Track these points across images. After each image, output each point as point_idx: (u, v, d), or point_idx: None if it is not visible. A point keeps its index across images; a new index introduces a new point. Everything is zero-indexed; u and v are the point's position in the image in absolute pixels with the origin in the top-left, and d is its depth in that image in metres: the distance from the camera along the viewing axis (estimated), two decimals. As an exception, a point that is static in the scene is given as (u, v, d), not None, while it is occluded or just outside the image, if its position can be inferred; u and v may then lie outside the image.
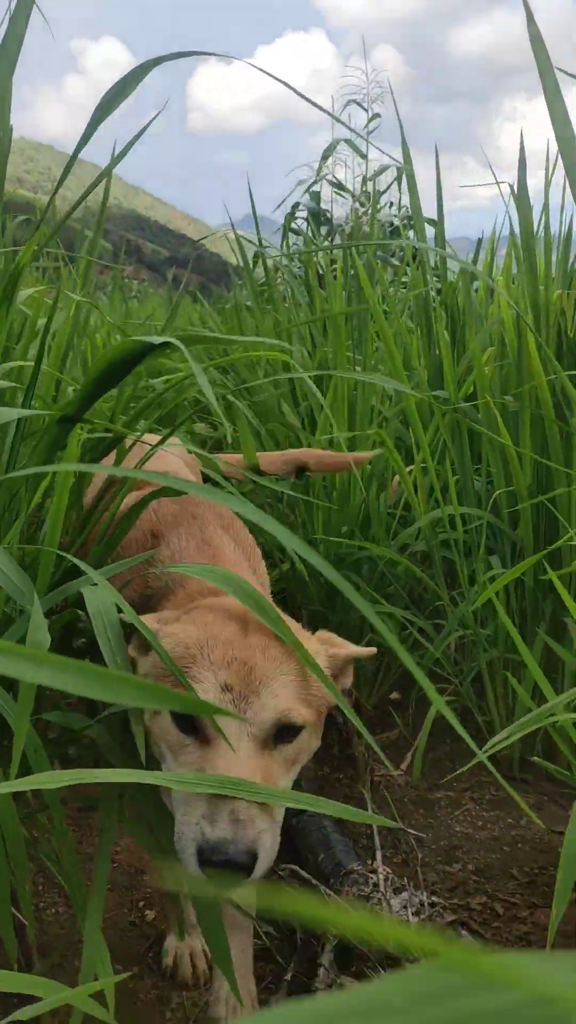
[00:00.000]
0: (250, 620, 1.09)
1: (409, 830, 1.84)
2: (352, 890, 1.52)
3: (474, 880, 1.73)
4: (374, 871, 1.56)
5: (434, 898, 1.50)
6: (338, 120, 1.40)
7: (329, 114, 1.59)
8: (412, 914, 1.44)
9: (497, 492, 1.97)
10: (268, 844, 0.95)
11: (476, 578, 1.99)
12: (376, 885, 1.52)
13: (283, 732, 1.03)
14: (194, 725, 1.01)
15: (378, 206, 4.59)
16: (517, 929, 1.59)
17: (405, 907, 1.46)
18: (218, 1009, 1.34)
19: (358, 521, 2.21)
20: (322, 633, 1.23)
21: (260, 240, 2.91)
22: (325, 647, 1.18)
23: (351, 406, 2.23)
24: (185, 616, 1.13)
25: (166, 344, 1.06)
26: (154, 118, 1.53)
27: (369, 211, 4.04)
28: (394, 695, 2.35)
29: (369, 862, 1.62)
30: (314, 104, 1.43)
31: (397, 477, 2.28)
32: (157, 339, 1.07)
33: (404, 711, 2.27)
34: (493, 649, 2.03)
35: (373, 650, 1.23)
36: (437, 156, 2.31)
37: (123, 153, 1.45)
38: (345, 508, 2.21)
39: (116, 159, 1.49)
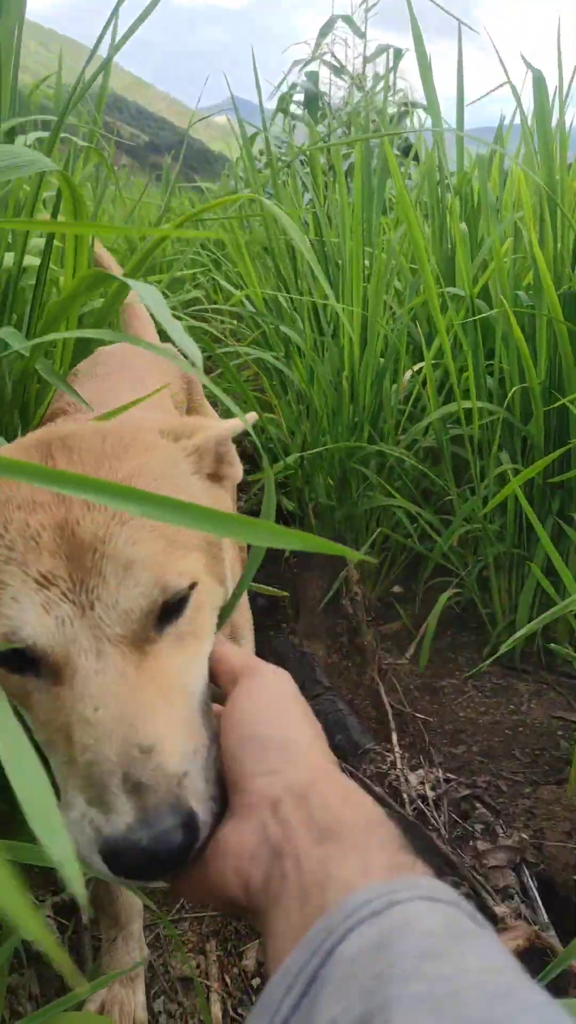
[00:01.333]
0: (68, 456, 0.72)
1: (417, 714, 1.91)
2: (371, 767, 1.59)
3: (479, 760, 1.82)
4: (390, 750, 1.63)
5: (448, 775, 1.58)
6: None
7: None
8: (429, 788, 1.52)
9: (512, 390, 1.96)
10: (200, 786, 0.62)
11: (487, 474, 2.01)
12: (393, 763, 1.59)
13: (167, 610, 0.68)
14: (29, 658, 0.65)
15: (375, 90, 4.38)
16: (522, 804, 1.68)
17: (422, 782, 1.54)
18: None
19: (367, 415, 2.21)
20: (170, 421, 0.86)
21: (265, 123, 2.77)
22: (182, 442, 0.81)
23: (364, 302, 2.18)
24: None
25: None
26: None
27: (368, 95, 3.86)
28: (397, 588, 2.40)
29: (384, 743, 1.68)
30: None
31: (408, 372, 2.26)
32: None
33: (407, 604, 2.32)
34: (500, 544, 2.07)
35: (252, 415, 0.87)
36: (460, 35, 2.19)
37: (125, 39, 1.35)
38: (354, 401, 2.20)
39: (117, 46, 1.38)
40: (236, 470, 0.88)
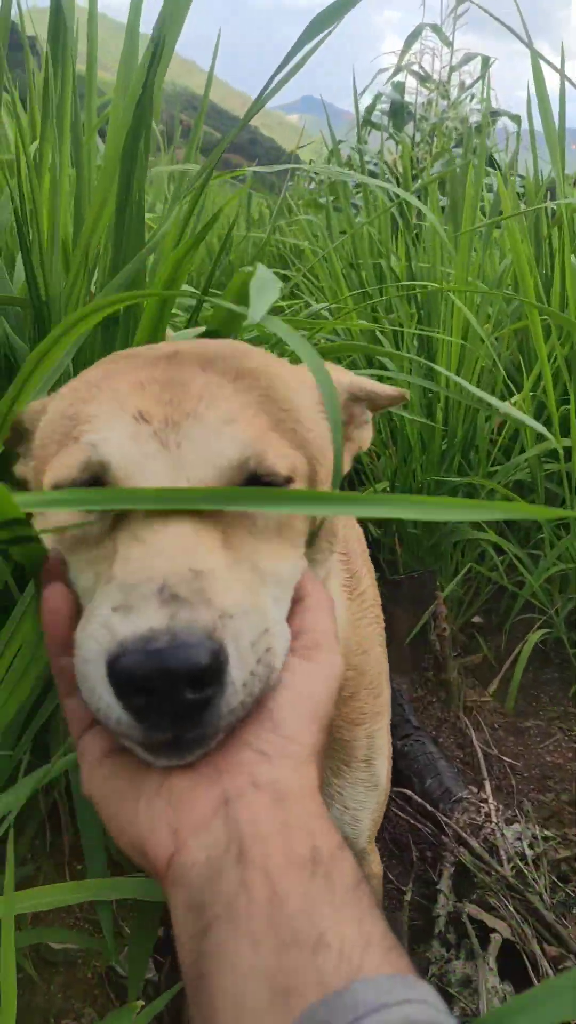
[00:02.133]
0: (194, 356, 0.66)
1: (503, 757, 1.88)
2: (463, 817, 1.56)
3: (569, 811, 1.78)
4: (484, 800, 1.61)
5: (546, 832, 1.55)
6: None
7: None
8: (527, 847, 1.49)
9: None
10: (245, 644, 0.52)
11: (584, 513, 1.96)
12: (488, 815, 1.56)
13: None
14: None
15: (459, 100, 4.28)
16: (617, 861, 1.65)
17: (519, 839, 1.51)
18: None
19: (459, 447, 2.17)
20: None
21: (360, 135, 2.72)
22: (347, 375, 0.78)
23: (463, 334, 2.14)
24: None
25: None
26: None
27: (454, 103, 3.78)
28: (477, 619, 2.37)
29: (475, 790, 1.66)
30: None
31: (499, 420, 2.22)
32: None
33: (489, 635, 2.29)
34: (593, 584, 2.02)
35: (404, 392, 0.80)
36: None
37: (282, 83, 1.30)
38: (447, 431, 2.16)
39: (275, 88, 1.33)
40: (366, 435, 0.81)
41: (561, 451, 1.98)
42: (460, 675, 2.09)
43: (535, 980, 1.25)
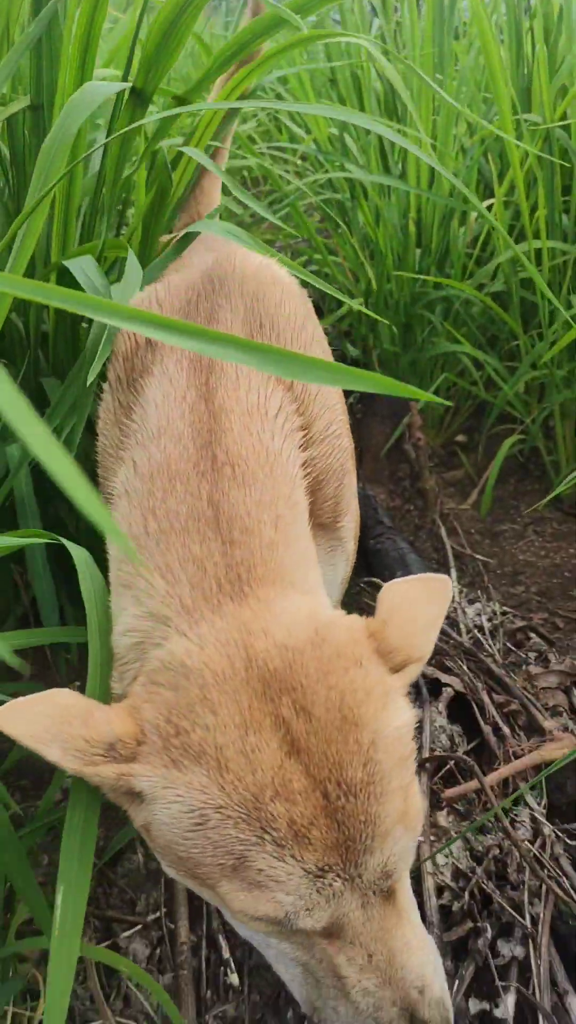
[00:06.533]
0: (282, 685, 0.73)
1: (477, 556, 1.97)
2: (429, 601, 1.65)
3: (537, 600, 1.87)
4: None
5: (505, 608, 1.64)
6: None
7: None
8: (486, 620, 1.58)
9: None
10: (450, 1006, 0.76)
11: (556, 317, 1.97)
12: (452, 597, 1.65)
13: None
14: None
15: None
16: (577, 639, 1.75)
17: (479, 614, 1.60)
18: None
19: (434, 259, 2.15)
20: (373, 624, 0.82)
21: None
22: (399, 678, 0.80)
23: (432, 134, 2.09)
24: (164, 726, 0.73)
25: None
26: None
27: None
28: (460, 437, 2.41)
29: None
30: None
31: (475, 213, 2.18)
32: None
33: (471, 452, 2.33)
34: (567, 390, 2.04)
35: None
36: None
37: None
38: (421, 243, 2.14)
39: None
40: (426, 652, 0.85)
41: (532, 255, 1.96)
42: (438, 485, 2.15)
43: (482, 724, 1.36)
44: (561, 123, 1.94)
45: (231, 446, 0.87)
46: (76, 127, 0.98)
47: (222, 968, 1.18)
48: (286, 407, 0.95)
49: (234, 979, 1.17)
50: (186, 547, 0.81)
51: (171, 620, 0.79)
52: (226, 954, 1.19)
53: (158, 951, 1.22)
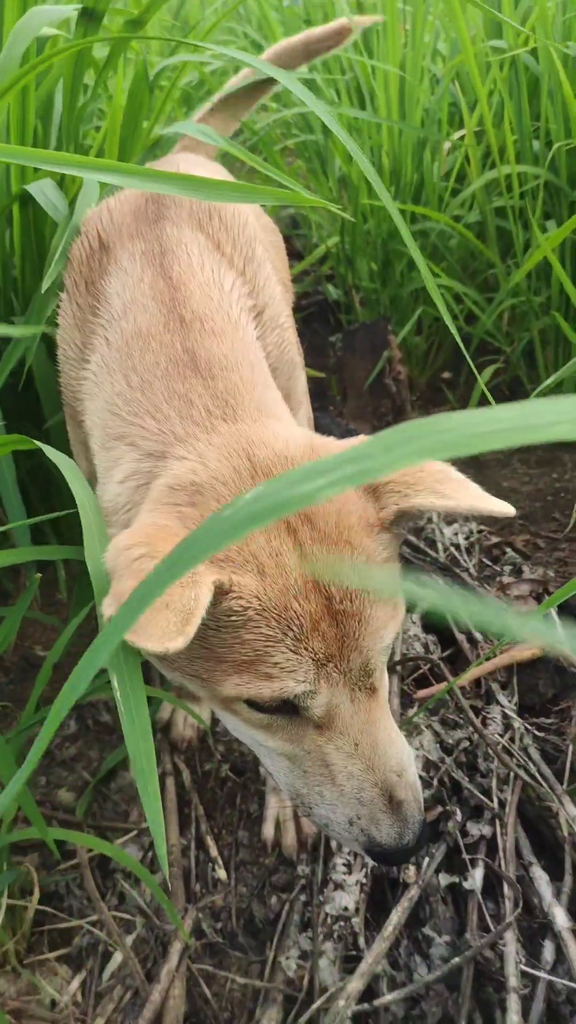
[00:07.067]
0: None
1: (460, 484, 1.99)
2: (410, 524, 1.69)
3: (519, 523, 1.91)
4: (428, 509, 1.73)
5: (482, 527, 1.67)
6: None
7: None
8: (463, 539, 1.62)
9: (556, 146, 1.89)
10: (421, 791, 0.86)
11: (531, 243, 1.98)
12: (429, 519, 1.69)
13: None
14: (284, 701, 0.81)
15: None
16: (556, 555, 1.78)
17: (456, 534, 1.64)
18: (266, 829, 1.27)
19: (409, 193, 2.16)
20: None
21: None
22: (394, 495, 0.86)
23: (401, 65, 2.09)
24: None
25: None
26: None
27: None
28: (446, 374, 2.43)
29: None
30: None
31: (447, 143, 2.19)
32: None
33: (456, 389, 2.35)
34: (546, 317, 2.06)
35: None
36: None
37: None
38: (395, 178, 2.15)
39: None
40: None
41: (502, 181, 1.97)
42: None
43: (456, 633, 1.40)
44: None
45: (196, 307, 0.93)
46: (22, 50, 1.01)
47: (210, 865, 1.24)
48: (239, 287, 1.01)
49: (221, 874, 1.23)
50: (170, 388, 0.88)
51: (167, 452, 0.85)
52: (214, 852, 1.25)
53: (150, 854, 1.28)
